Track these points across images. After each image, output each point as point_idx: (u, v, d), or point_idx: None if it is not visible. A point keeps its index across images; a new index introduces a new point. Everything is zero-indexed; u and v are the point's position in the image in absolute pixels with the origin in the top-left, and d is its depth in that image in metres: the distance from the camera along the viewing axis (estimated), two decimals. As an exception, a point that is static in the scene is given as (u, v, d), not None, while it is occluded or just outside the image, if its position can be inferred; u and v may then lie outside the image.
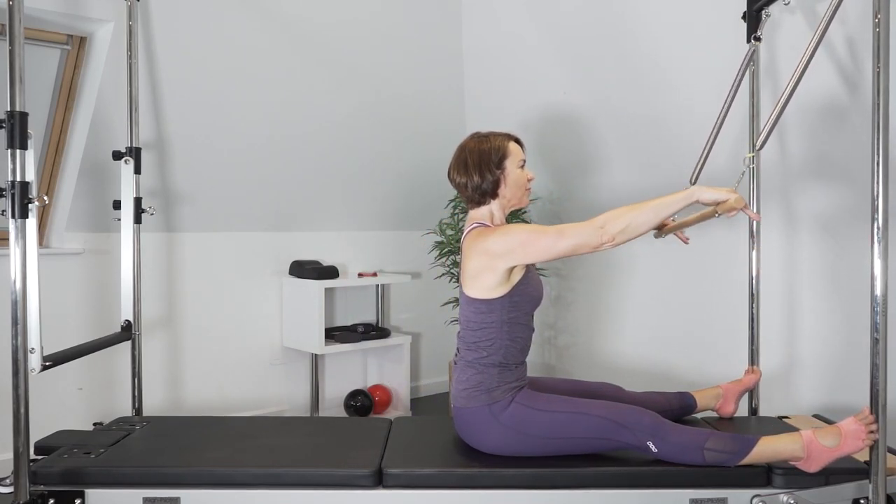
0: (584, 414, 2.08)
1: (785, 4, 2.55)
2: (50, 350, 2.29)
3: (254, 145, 3.47)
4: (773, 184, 2.94)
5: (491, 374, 2.11)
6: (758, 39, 2.63)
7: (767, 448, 2.01)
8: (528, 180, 2.23)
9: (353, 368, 4.13)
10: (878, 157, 1.89)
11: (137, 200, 2.90)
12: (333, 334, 3.82)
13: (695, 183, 2.64)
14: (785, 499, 1.97)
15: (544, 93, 3.64)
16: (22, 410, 1.91)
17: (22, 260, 1.94)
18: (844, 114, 2.61)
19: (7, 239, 1.97)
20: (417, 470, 2.05)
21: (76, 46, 2.97)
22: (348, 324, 4.04)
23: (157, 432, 2.41)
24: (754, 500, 1.97)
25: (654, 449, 2.03)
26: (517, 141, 2.24)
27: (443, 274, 4.00)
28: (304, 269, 3.74)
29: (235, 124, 3.37)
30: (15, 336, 1.92)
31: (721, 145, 3.05)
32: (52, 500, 1.98)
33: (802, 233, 2.99)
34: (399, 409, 3.98)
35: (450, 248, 3.88)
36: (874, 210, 1.89)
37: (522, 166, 2.21)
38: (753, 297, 2.76)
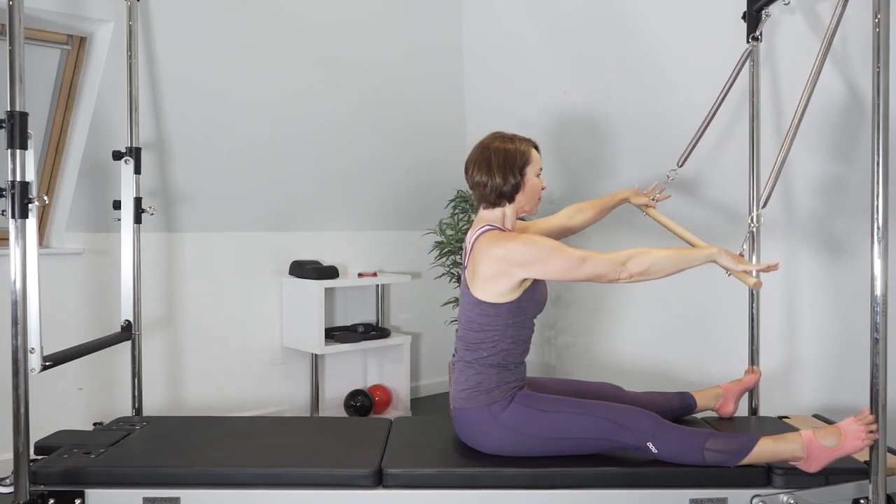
0: (583, 414, 2.08)
1: (785, 4, 2.55)
2: (50, 350, 2.29)
3: (254, 145, 3.47)
4: (773, 184, 2.94)
5: (490, 374, 2.11)
6: (756, 39, 2.63)
7: (767, 448, 2.01)
8: (542, 189, 2.23)
9: (353, 368, 4.13)
10: (878, 157, 1.89)
11: (137, 200, 2.90)
12: (333, 334, 3.82)
13: (681, 166, 2.71)
14: (785, 499, 1.97)
15: (544, 93, 3.64)
16: (22, 410, 1.91)
17: (22, 260, 1.94)
18: (844, 113, 2.61)
19: (7, 239, 1.97)
20: (417, 470, 2.05)
21: (76, 46, 2.97)
22: (348, 324, 4.04)
23: (157, 432, 2.41)
24: (754, 500, 1.97)
25: (653, 449, 2.03)
26: (537, 148, 2.24)
27: (443, 274, 4.00)
28: (304, 269, 3.74)
29: (235, 124, 3.37)
30: (15, 336, 1.92)
31: (721, 145, 3.05)
32: (52, 500, 1.98)
33: (802, 233, 3.00)
34: (399, 409, 3.98)
35: (450, 248, 3.88)
36: (874, 210, 1.90)
37: (539, 174, 2.21)
38: (753, 298, 2.76)
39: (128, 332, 2.89)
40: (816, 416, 2.61)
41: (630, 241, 3.48)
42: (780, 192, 2.96)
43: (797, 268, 3.03)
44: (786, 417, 2.58)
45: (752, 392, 2.72)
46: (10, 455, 1.95)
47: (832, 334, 2.92)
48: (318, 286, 3.65)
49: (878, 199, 1.89)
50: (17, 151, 1.94)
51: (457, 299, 4.01)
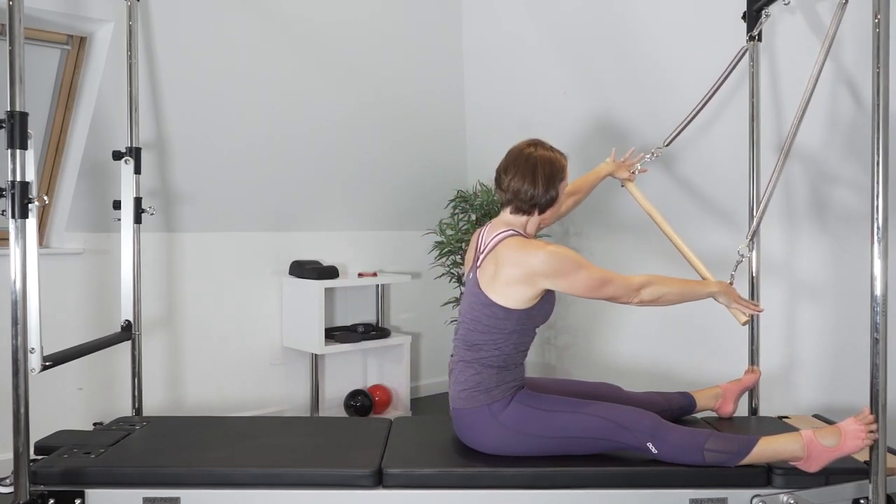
0: (583, 414, 2.08)
1: (785, 4, 2.55)
2: (50, 350, 2.29)
3: (254, 145, 3.47)
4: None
5: (490, 374, 2.11)
6: (753, 39, 2.63)
7: (767, 448, 2.01)
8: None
9: (353, 368, 4.13)
10: (878, 157, 1.89)
11: (137, 200, 2.90)
12: (333, 334, 3.82)
13: (667, 145, 2.76)
14: (785, 499, 1.97)
15: (544, 93, 3.64)
16: (22, 410, 1.91)
17: (22, 260, 1.94)
18: (844, 113, 2.61)
19: (7, 239, 1.97)
20: (417, 470, 2.05)
21: (76, 46, 2.97)
22: (348, 324, 4.04)
23: (157, 432, 2.41)
24: (754, 500, 1.97)
25: (653, 450, 2.03)
26: None
27: (443, 274, 4.00)
28: (304, 269, 3.75)
29: (235, 124, 3.37)
30: (15, 336, 1.92)
31: (721, 145, 3.05)
32: (52, 500, 1.98)
33: (802, 233, 3.00)
34: (399, 409, 3.98)
35: (450, 249, 3.88)
36: (874, 210, 1.90)
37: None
38: (753, 298, 2.76)
39: (128, 332, 2.89)
40: (816, 416, 2.61)
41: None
42: (780, 191, 2.96)
43: (797, 268, 3.03)
44: (786, 417, 2.58)
45: (752, 392, 2.72)
46: (10, 455, 1.95)
47: (832, 334, 2.92)
48: (318, 286, 3.65)
49: (878, 199, 1.89)
50: (17, 151, 1.93)
51: (457, 299, 4.02)
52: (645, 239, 3.55)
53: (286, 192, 3.72)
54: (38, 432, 2.21)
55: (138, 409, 2.94)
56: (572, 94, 3.52)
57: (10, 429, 1.91)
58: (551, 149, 2.19)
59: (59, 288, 3.12)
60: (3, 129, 1.93)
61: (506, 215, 2.19)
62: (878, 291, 1.90)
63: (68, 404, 3.19)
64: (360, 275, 3.96)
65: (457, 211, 3.97)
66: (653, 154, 2.78)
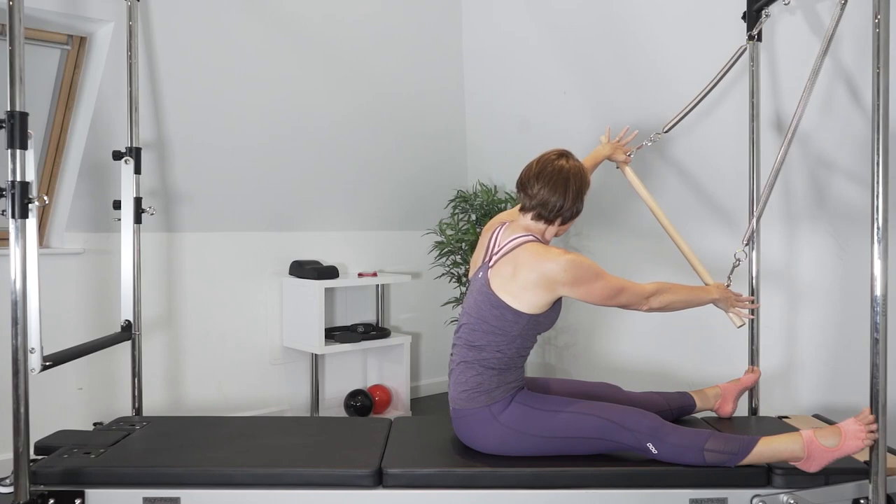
0: (583, 414, 2.08)
1: (785, 4, 2.55)
2: (50, 350, 2.29)
3: (254, 145, 3.47)
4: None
5: (490, 375, 2.11)
6: (752, 38, 2.63)
7: (767, 448, 2.01)
8: None
9: (353, 368, 4.13)
10: (878, 157, 1.89)
11: (137, 200, 2.90)
12: (333, 334, 3.82)
13: (666, 132, 2.78)
14: (785, 499, 1.97)
15: (544, 93, 3.64)
16: (22, 410, 1.91)
17: (22, 260, 1.94)
18: (844, 113, 2.61)
19: (7, 239, 1.97)
20: (417, 470, 2.05)
21: (76, 46, 2.97)
22: (348, 324, 4.04)
23: (157, 432, 2.41)
24: (754, 500, 1.97)
25: (653, 450, 2.03)
26: None
27: (443, 274, 4.00)
28: (304, 269, 3.74)
29: (235, 124, 3.37)
30: (15, 336, 1.92)
31: (721, 145, 3.05)
32: (52, 500, 1.98)
33: (802, 233, 2.99)
34: (399, 409, 3.98)
35: (450, 249, 3.88)
36: (874, 210, 1.90)
37: None
38: (753, 298, 2.76)
39: (128, 332, 2.89)
40: (816, 416, 2.61)
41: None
42: (780, 191, 2.96)
43: (797, 267, 3.03)
44: (786, 417, 2.58)
45: (752, 392, 2.72)
46: (10, 455, 1.96)
47: (832, 334, 2.92)
48: (318, 286, 3.65)
49: (878, 199, 1.89)
50: (17, 151, 1.93)
51: (457, 299, 4.02)
52: (644, 239, 3.55)
53: (286, 192, 3.72)
54: (38, 432, 2.21)
55: (138, 409, 2.94)
56: (572, 94, 3.52)
57: (10, 429, 1.91)
58: (582, 167, 2.21)
59: (59, 288, 3.12)
60: (3, 129, 1.93)
61: (525, 220, 2.19)
62: (878, 291, 1.90)
63: (68, 404, 3.18)
64: (360, 275, 3.96)
65: (457, 211, 3.97)
66: (651, 140, 2.78)
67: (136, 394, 2.94)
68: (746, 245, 2.53)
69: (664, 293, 2.19)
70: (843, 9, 2.25)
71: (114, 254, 3.09)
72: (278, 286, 3.83)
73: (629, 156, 2.75)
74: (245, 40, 3.21)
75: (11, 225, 1.94)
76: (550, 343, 4.18)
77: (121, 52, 2.91)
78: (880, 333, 1.89)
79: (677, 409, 2.45)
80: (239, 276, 3.71)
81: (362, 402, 3.90)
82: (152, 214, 3.01)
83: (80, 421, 3.12)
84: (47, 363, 2.22)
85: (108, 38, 2.90)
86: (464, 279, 3.95)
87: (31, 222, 1.99)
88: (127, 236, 2.88)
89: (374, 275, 3.99)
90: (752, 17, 2.64)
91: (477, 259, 2.26)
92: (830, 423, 2.33)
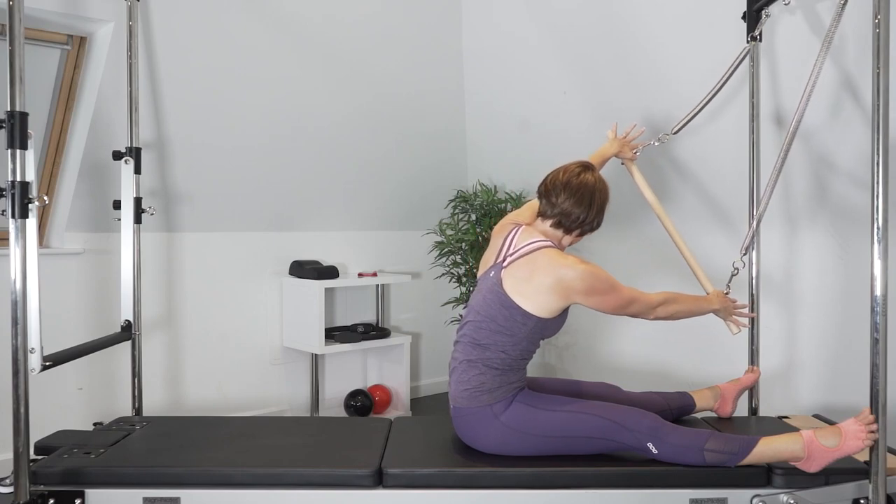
0: (584, 414, 2.08)
1: (785, 4, 2.55)
2: (50, 350, 2.29)
3: (254, 145, 3.47)
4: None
5: (492, 375, 2.11)
6: (754, 39, 2.63)
7: (767, 448, 2.01)
8: None
9: (353, 368, 4.13)
10: (878, 157, 1.89)
11: (137, 200, 2.90)
12: (333, 334, 3.82)
13: (675, 133, 2.79)
14: (785, 499, 1.97)
15: (544, 93, 3.64)
16: (22, 410, 1.91)
17: (22, 260, 1.94)
18: (844, 114, 2.61)
19: (7, 239, 1.97)
20: (417, 470, 2.05)
21: (76, 46, 2.97)
22: (348, 324, 4.04)
23: (157, 432, 2.41)
24: (754, 500, 1.97)
25: (653, 450, 2.03)
26: None
27: (443, 274, 4.00)
28: (304, 269, 3.74)
29: (235, 124, 3.36)
30: (15, 336, 1.92)
31: (721, 144, 3.05)
32: (52, 500, 1.98)
33: (802, 233, 3.00)
34: (399, 409, 3.98)
35: (450, 249, 3.88)
36: (874, 210, 1.90)
37: None
38: (753, 298, 2.76)
39: (128, 332, 2.89)
40: (816, 416, 2.61)
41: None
42: (780, 191, 2.96)
43: (797, 268, 3.03)
44: (786, 417, 2.58)
45: (752, 392, 2.71)
46: (10, 455, 1.96)
47: (832, 334, 2.92)
48: (318, 286, 3.65)
49: (878, 199, 1.89)
50: (17, 151, 1.93)
51: (457, 299, 4.02)
52: (648, 243, 3.55)
53: (286, 192, 3.72)
54: (38, 432, 2.21)
55: (138, 409, 2.94)
56: (572, 94, 3.52)
57: (10, 429, 1.91)
58: (605, 182, 2.25)
59: (59, 288, 3.12)
60: (3, 129, 1.93)
61: (543, 225, 2.22)
62: (878, 291, 1.90)
63: (68, 404, 3.18)
64: (360, 275, 3.96)
65: (457, 211, 3.97)
66: (658, 140, 2.78)
67: (136, 394, 2.94)
68: (745, 255, 2.58)
69: (670, 304, 2.24)
70: (843, 9, 2.25)
71: (114, 254, 3.09)
72: (278, 286, 3.83)
73: (635, 153, 2.75)
74: (245, 40, 3.21)
75: (11, 225, 1.94)
76: (550, 343, 4.18)
77: (121, 52, 2.91)
78: (880, 333, 1.89)
79: (677, 409, 2.45)
80: (239, 276, 3.71)
81: (362, 402, 3.90)
82: (152, 214, 3.01)
83: (80, 421, 3.12)
84: (47, 363, 2.22)
85: (108, 38, 2.90)
86: (464, 279, 3.95)
87: (31, 222, 1.99)
88: (127, 236, 2.88)
89: (374, 275, 3.99)
90: (752, 17, 2.64)
91: (488, 258, 2.26)
92: (830, 423, 2.33)
